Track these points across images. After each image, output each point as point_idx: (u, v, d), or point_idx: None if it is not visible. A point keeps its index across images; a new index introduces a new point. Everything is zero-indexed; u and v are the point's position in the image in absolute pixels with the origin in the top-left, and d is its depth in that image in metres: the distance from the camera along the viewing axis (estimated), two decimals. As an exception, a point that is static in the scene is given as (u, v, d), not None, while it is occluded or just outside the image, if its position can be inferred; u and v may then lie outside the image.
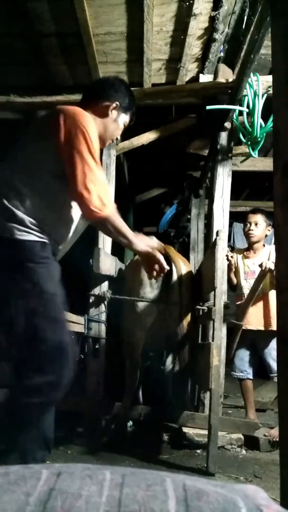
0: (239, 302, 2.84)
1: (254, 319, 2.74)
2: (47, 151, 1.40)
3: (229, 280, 2.87)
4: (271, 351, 2.66)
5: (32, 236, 1.34)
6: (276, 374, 2.62)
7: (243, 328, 2.73)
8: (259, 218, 2.81)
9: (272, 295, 2.69)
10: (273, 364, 2.63)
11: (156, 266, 1.56)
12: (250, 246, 2.90)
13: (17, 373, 1.36)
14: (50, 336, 1.32)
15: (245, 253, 2.94)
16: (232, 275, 2.88)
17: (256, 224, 2.81)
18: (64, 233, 1.52)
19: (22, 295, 1.31)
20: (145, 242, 1.55)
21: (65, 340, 1.35)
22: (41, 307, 1.32)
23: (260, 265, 2.53)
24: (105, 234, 1.55)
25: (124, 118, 1.67)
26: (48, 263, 1.38)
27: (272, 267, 2.42)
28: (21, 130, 1.85)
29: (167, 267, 1.60)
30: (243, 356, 2.80)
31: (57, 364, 1.32)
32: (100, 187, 1.37)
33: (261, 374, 2.96)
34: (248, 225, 2.84)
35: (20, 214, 1.33)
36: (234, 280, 2.89)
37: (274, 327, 2.64)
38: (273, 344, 2.67)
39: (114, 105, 1.60)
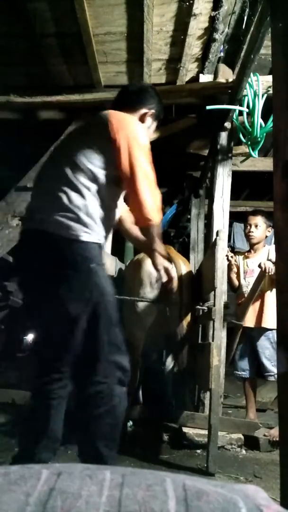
0: (240, 301, 2.84)
1: (249, 317, 2.76)
2: (105, 156, 1.41)
3: (230, 280, 2.87)
4: (264, 350, 2.67)
5: (94, 237, 1.37)
6: (270, 373, 2.62)
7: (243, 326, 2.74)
8: (259, 220, 2.82)
9: (268, 294, 2.70)
10: (267, 363, 2.64)
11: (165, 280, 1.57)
12: (251, 247, 2.91)
13: (78, 375, 1.40)
14: (112, 337, 1.36)
15: (246, 253, 2.96)
16: (233, 275, 2.89)
17: (256, 226, 2.81)
18: (107, 234, 1.54)
19: (87, 296, 1.33)
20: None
21: (123, 340, 1.41)
22: (103, 308, 1.35)
23: (259, 266, 2.53)
24: (144, 237, 1.59)
25: (153, 126, 1.71)
26: (103, 265, 1.45)
27: (271, 266, 2.42)
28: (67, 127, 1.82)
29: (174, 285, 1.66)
30: (244, 354, 2.80)
31: (121, 364, 1.37)
32: (156, 197, 1.41)
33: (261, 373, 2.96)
34: (249, 227, 2.84)
35: (83, 216, 1.35)
36: (236, 282, 2.89)
37: (265, 324, 2.66)
38: (265, 342, 2.67)
39: (150, 112, 1.63)
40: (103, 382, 1.34)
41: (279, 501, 1.12)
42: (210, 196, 2.92)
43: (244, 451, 2.37)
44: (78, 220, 1.34)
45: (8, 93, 2.86)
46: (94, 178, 1.39)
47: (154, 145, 3.01)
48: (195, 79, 2.89)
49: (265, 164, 3.45)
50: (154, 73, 2.84)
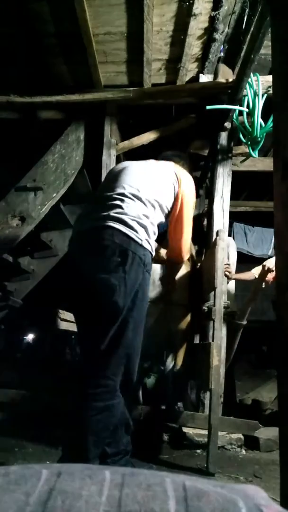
0: None
1: None
2: (167, 197, 1.77)
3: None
4: None
5: (150, 248, 1.64)
6: None
7: None
8: None
9: None
10: None
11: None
12: None
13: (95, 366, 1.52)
14: (138, 339, 1.61)
15: None
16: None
17: None
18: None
19: (138, 300, 1.55)
20: None
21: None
22: (143, 312, 1.60)
23: (262, 265, 2.53)
24: (167, 257, 2.17)
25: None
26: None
27: (272, 267, 2.43)
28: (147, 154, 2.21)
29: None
30: None
31: (134, 368, 1.60)
32: (188, 244, 1.96)
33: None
34: None
35: (150, 226, 1.63)
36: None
37: None
38: None
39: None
40: (111, 378, 1.48)
41: (279, 501, 1.12)
42: (210, 196, 2.92)
43: (244, 451, 2.37)
44: (146, 231, 1.60)
45: (8, 93, 2.86)
46: (156, 208, 1.71)
47: (154, 145, 3.03)
48: (195, 79, 2.89)
49: (265, 164, 3.44)
50: (154, 73, 2.84)
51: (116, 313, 1.48)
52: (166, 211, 1.78)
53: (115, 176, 1.80)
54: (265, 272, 2.52)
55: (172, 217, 1.83)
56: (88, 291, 1.54)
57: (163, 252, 2.19)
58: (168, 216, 1.82)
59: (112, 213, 1.56)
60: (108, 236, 1.51)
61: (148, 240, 1.61)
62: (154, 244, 1.69)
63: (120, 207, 1.58)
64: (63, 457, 1.48)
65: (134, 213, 1.58)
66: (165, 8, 2.31)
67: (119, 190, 1.66)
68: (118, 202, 1.60)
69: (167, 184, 1.79)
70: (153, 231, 1.67)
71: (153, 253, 1.68)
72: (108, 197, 1.65)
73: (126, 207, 1.58)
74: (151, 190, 1.70)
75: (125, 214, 1.56)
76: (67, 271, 1.72)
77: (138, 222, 1.56)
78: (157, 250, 2.04)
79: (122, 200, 1.60)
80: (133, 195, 1.63)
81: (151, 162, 1.92)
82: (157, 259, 2.21)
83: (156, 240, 1.77)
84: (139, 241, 1.55)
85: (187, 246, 1.94)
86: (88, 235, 1.59)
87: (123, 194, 1.63)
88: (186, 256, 1.99)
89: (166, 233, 1.94)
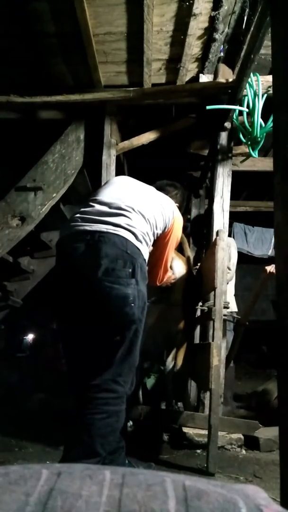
0: None
1: None
2: (160, 227, 1.82)
3: None
4: None
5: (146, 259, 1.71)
6: None
7: None
8: None
9: None
10: None
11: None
12: None
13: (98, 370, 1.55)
14: (140, 346, 1.68)
15: None
16: None
17: None
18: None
19: (144, 310, 1.65)
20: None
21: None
22: (141, 317, 1.63)
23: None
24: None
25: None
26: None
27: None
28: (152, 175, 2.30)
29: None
30: None
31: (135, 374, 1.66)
32: (166, 273, 2.12)
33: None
34: None
35: (149, 244, 1.75)
36: None
37: None
38: None
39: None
40: (122, 385, 1.53)
41: (279, 501, 1.12)
42: (210, 196, 2.92)
43: (244, 451, 2.37)
44: (142, 250, 1.65)
45: (8, 93, 2.86)
46: (151, 233, 1.77)
47: (154, 145, 3.03)
48: (195, 79, 2.89)
49: (265, 164, 3.44)
50: (154, 73, 2.84)
51: (132, 323, 1.54)
52: (154, 238, 1.84)
53: (121, 186, 1.82)
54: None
55: (158, 247, 1.93)
56: (97, 300, 1.51)
57: None
58: (152, 243, 1.87)
59: (123, 223, 1.58)
60: (121, 245, 1.53)
61: (147, 255, 1.71)
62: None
63: (130, 218, 1.62)
64: (67, 458, 1.47)
65: (142, 228, 1.65)
66: (165, 8, 2.31)
67: (128, 203, 1.68)
68: (127, 214, 1.63)
69: (164, 218, 1.84)
70: (149, 250, 1.78)
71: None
72: (115, 205, 1.66)
73: (135, 220, 1.64)
74: (153, 215, 1.76)
75: (135, 227, 1.61)
76: (64, 271, 1.62)
77: (143, 238, 1.65)
78: None
79: (130, 213, 1.65)
80: (140, 212, 1.69)
81: (154, 190, 1.98)
82: None
83: None
84: (144, 256, 1.64)
85: (162, 276, 2.08)
86: (96, 238, 1.54)
87: (131, 208, 1.67)
88: (159, 283, 2.13)
89: None
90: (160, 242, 1.91)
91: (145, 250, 1.67)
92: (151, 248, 1.84)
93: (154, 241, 1.86)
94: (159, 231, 1.83)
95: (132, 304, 1.49)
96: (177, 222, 1.93)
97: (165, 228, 1.86)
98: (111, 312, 1.51)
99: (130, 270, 1.51)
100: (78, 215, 1.67)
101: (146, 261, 1.69)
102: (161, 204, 1.85)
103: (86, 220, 1.61)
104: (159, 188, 2.05)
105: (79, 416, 1.49)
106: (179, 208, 2.10)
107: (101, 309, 1.52)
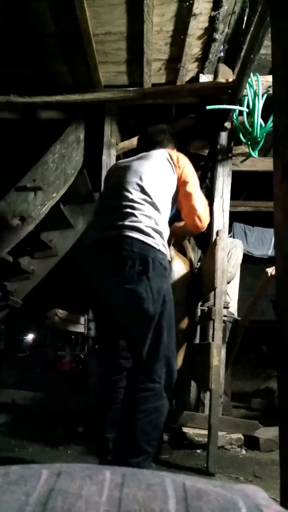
0: None
1: None
2: (169, 179, 1.79)
3: None
4: None
5: (167, 252, 1.68)
6: None
7: None
8: None
9: None
10: None
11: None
12: None
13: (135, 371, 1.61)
14: (173, 340, 1.68)
15: None
16: None
17: None
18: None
19: (167, 303, 1.62)
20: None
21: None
22: (172, 314, 1.66)
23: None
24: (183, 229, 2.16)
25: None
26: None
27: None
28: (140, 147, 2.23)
29: None
30: None
31: (173, 367, 1.67)
32: (203, 205, 1.88)
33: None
34: None
35: (164, 230, 1.68)
36: None
37: None
38: None
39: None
40: (157, 381, 1.56)
41: (279, 501, 1.12)
42: (210, 196, 2.92)
43: (244, 451, 2.37)
44: (157, 233, 1.63)
45: (8, 93, 2.86)
46: (166, 203, 1.76)
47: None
48: (195, 79, 2.89)
49: (265, 164, 3.44)
50: (154, 73, 2.84)
51: (150, 319, 1.56)
52: (172, 199, 1.81)
53: (118, 181, 1.80)
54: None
55: (179, 192, 1.85)
56: (116, 303, 1.60)
57: (178, 225, 2.17)
58: (175, 199, 1.84)
59: (127, 222, 1.60)
60: (127, 246, 1.56)
61: (164, 244, 1.66)
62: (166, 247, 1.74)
63: (134, 215, 1.61)
64: (112, 461, 1.54)
65: (148, 220, 1.62)
66: (165, 8, 2.31)
67: (128, 196, 1.67)
68: (130, 210, 1.63)
69: (167, 174, 1.80)
70: (167, 233, 1.72)
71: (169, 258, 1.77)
72: (119, 205, 1.67)
73: (139, 214, 1.62)
74: (156, 188, 1.71)
75: (140, 222, 1.60)
76: (88, 284, 1.75)
77: (153, 229, 1.61)
78: (171, 230, 1.98)
79: (133, 207, 1.63)
80: (142, 199, 1.66)
81: (144, 156, 1.89)
82: (174, 239, 2.30)
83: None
84: (157, 247, 1.60)
85: (201, 208, 1.85)
86: (105, 245, 1.62)
87: (132, 200, 1.65)
88: (206, 220, 1.89)
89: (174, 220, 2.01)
90: (179, 187, 1.85)
91: (158, 239, 1.62)
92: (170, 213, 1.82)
93: (175, 196, 1.84)
94: (173, 189, 1.81)
95: (146, 301, 1.53)
96: (181, 162, 1.86)
97: (176, 179, 1.83)
98: (128, 313, 1.59)
99: (141, 267, 1.55)
100: (94, 223, 1.84)
101: (166, 247, 1.67)
102: (160, 170, 1.80)
103: (98, 228, 1.73)
104: (151, 145, 1.99)
105: (124, 418, 1.57)
106: (175, 145, 2.08)
107: (121, 313, 1.61)
